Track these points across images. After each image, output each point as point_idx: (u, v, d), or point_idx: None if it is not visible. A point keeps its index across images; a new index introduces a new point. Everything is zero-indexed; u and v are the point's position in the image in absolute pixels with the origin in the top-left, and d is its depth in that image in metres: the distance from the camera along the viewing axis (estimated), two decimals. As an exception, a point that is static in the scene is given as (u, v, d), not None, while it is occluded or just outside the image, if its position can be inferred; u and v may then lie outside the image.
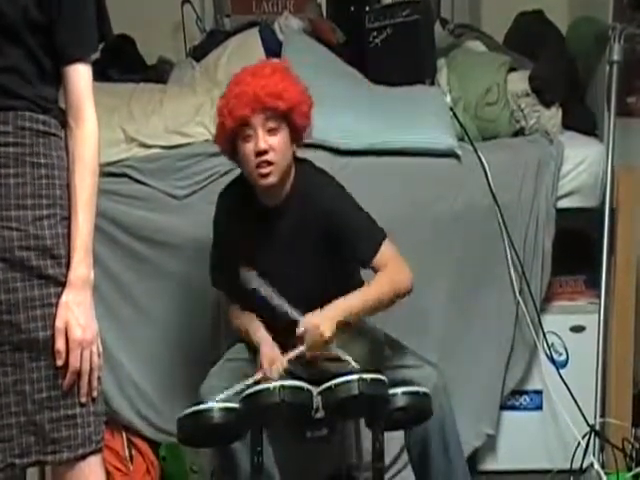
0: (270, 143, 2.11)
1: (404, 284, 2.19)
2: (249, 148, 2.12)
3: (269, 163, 2.12)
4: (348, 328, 2.18)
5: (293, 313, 2.15)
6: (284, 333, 2.19)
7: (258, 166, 2.12)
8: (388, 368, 2.21)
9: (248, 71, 2.17)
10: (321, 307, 2.13)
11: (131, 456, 2.63)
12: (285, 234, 2.21)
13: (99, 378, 1.63)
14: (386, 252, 2.19)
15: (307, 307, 2.15)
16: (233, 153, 2.20)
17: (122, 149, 2.65)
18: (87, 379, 1.59)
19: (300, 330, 2.11)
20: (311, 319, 2.11)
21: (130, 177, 2.63)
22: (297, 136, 2.19)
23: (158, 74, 3.08)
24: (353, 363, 2.13)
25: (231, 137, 2.15)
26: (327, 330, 2.09)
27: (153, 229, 2.62)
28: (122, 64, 3.05)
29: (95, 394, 1.62)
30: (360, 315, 2.19)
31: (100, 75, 2.80)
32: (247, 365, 2.25)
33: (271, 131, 2.12)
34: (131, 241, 2.62)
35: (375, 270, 2.19)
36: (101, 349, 1.64)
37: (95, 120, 1.62)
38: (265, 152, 2.11)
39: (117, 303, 2.62)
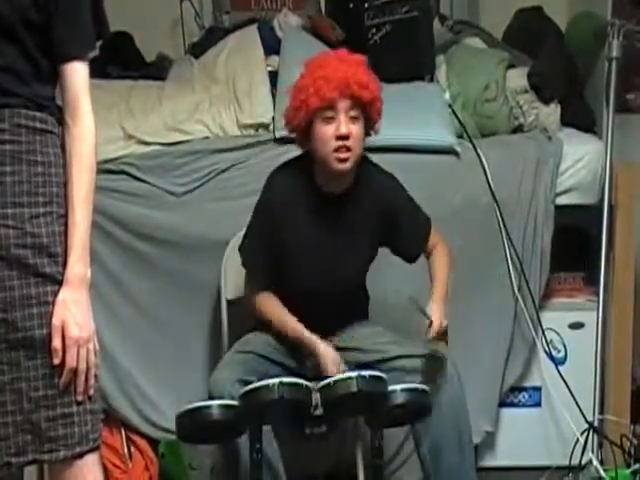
0: (351, 129, 2.14)
1: (452, 257, 2.35)
2: (329, 130, 2.14)
3: (348, 149, 2.14)
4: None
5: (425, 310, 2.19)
6: (311, 317, 2.24)
7: (337, 150, 2.14)
8: (402, 357, 2.25)
9: (334, 56, 2.21)
10: (342, 298, 2.27)
11: (130, 453, 2.63)
12: (342, 223, 2.25)
13: (96, 376, 1.62)
14: (433, 235, 2.35)
15: (342, 295, 2.27)
16: (305, 132, 2.20)
17: (121, 146, 2.64)
18: (84, 377, 1.59)
19: (435, 328, 2.14)
20: (438, 315, 2.16)
21: (129, 174, 2.63)
22: (369, 130, 2.23)
23: (157, 71, 3.08)
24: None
25: (311, 116, 2.16)
26: (445, 320, 2.17)
27: (152, 226, 2.62)
28: (121, 61, 3.05)
29: (92, 392, 1.61)
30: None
31: (99, 72, 2.80)
32: (258, 358, 2.26)
33: (352, 119, 2.15)
34: (130, 238, 2.62)
35: (430, 253, 2.33)
36: (98, 347, 1.63)
37: (92, 117, 1.62)
38: (347, 137, 2.14)
39: (116, 301, 2.62)
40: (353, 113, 2.15)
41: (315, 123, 2.16)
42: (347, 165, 2.16)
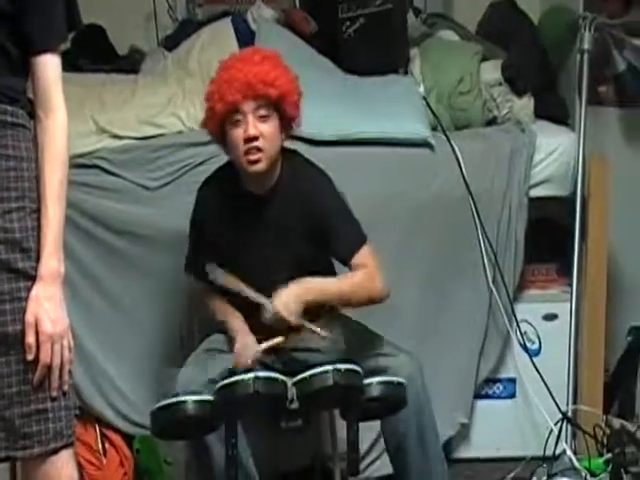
0: (260, 130, 2.11)
1: (379, 292, 2.19)
2: (238, 133, 2.12)
3: (258, 149, 2.12)
4: (315, 309, 2.17)
5: (259, 298, 2.15)
6: (261, 325, 2.18)
7: (247, 152, 2.12)
8: (363, 356, 2.21)
9: (238, 57, 2.18)
10: None
11: (104, 449, 2.61)
12: (270, 222, 2.22)
13: (70, 372, 1.61)
14: (366, 255, 2.19)
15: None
16: (222, 138, 2.19)
17: (93, 140, 2.62)
18: (58, 373, 1.58)
19: (268, 314, 2.11)
20: (278, 298, 2.10)
21: (102, 168, 2.61)
22: (286, 125, 2.19)
23: (129, 64, 3.05)
24: (321, 332, 2.13)
25: (221, 122, 2.15)
26: (293, 310, 2.09)
27: (126, 221, 2.61)
28: (93, 54, 3.02)
29: (66, 388, 1.60)
30: (330, 301, 2.20)
31: (70, 65, 2.77)
32: (224, 355, 2.25)
33: (261, 118, 2.12)
34: (103, 233, 2.60)
35: (353, 269, 2.19)
36: (72, 343, 1.62)
37: (64, 111, 1.60)
38: (255, 138, 2.11)
39: (90, 296, 2.60)
40: (262, 112, 2.11)
41: (226, 128, 2.14)
42: (260, 166, 2.13)
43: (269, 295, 2.14)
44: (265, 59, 2.14)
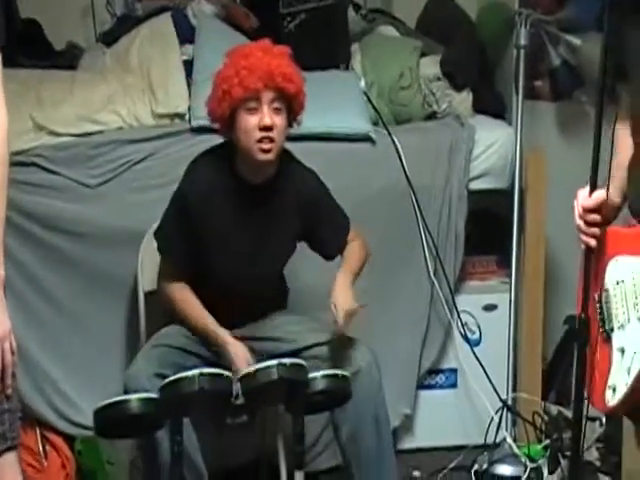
0: (275, 121, 2.14)
1: (369, 252, 2.38)
2: (252, 121, 2.14)
3: (271, 140, 2.15)
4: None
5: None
6: (226, 307, 2.24)
7: (260, 140, 2.14)
8: (321, 344, 2.26)
9: (257, 46, 2.21)
10: (261, 289, 2.28)
11: (45, 452, 2.57)
12: (261, 213, 2.25)
13: (14, 375, 1.60)
14: (353, 231, 2.36)
15: (258, 288, 2.27)
16: (229, 123, 2.19)
17: (31, 137, 2.58)
18: (0, 377, 1.56)
19: (340, 320, 2.17)
20: (343, 304, 2.17)
21: (40, 166, 2.57)
22: (292, 122, 2.23)
23: (67, 60, 3.00)
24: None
25: (234, 106, 2.15)
26: (354, 304, 2.19)
27: (66, 219, 2.58)
28: (29, 50, 2.96)
29: (9, 392, 1.59)
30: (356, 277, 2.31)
31: (6, 61, 2.71)
32: (173, 351, 2.25)
33: (276, 110, 2.15)
34: (43, 232, 2.57)
35: (349, 243, 2.35)
36: (15, 346, 1.60)
37: (4, 110, 1.58)
38: (270, 128, 2.14)
39: (30, 296, 2.56)
40: (277, 105, 2.16)
41: (238, 113, 2.16)
42: (270, 156, 2.17)
43: (246, 284, 2.23)
44: (283, 54, 2.19)
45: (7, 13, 1.62)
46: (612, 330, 1.71)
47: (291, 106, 2.20)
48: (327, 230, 2.33)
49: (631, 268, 1.69)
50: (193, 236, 2.23)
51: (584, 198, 1.74)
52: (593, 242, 1.73)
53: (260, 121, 2.13)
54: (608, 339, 1.72)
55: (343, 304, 2.17)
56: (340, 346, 2.25)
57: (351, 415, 2.24)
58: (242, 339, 2.26)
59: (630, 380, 1.64)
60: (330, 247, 2.35)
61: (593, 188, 1.73)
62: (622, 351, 1.68)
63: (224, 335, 2.23)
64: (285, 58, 2.18)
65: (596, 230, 1.73)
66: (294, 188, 2.27)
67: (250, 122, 2.14)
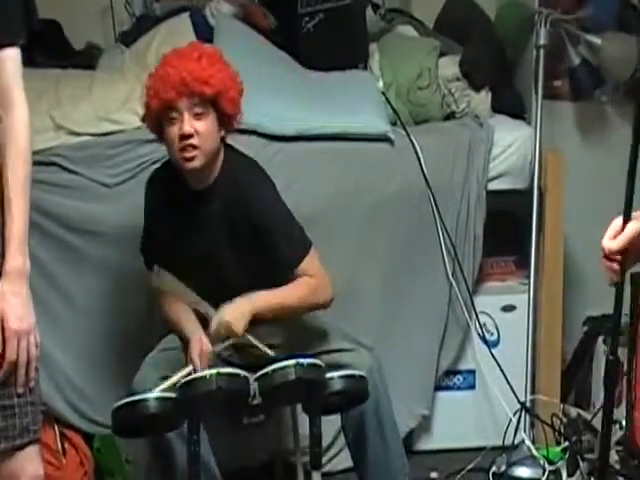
0: (196, 127, 2.11)
1: (324, 298, 2.21)
2: (174, 131, 2.12)
3: (194, 147, 2.11)
4: (262, 321, 2.17)
5: (206, 309, 2.16)
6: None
7: (182, 149, 2.12)
8: (323, 353, 2.22)
9: (176, 53, 2.17)
10: (240, 292, 2.16)
11: (64, 449, 2.58)
12: (211, 218, 2.22)
13: (36, 368, 1.62)
14: (311, 262, 2.19)
15: (231, 297, 2.15)
16: (160, 134, 2.19)
17: (50, 137, 2.59)
18: (24, 370, 1.58)
19: (213, 328, 2.13)
20: (223, 315, 2.12)
21: (59, 166, 2.58)
22: (225, 121, 2.18)
23: (86, 60, 3.02)
24: (268, 351, 2.16)
25: (157, 118, 2.15)
26: (239, 327, 2.11)
27: (84, 218, 2.58)
28: (48, 49, 2.98)
29: (32, 384, 1.60)
30: (274, 313, 2.17)
31: (25, 61, 2.73)
32: (181, 354, 2.25)
33: (197, 115, 2.12)
34: (61, 231, 2.57)
35: (299, 276, 2.18)
36: (39, 339, 1.62)
37: (26, 107, 1.59)
38: (190, 136, 2.11)
39: (48, 294, 2.56)
40: (198, 110, 2.11)
41: (163, 125, 2.15)
42: (195, 163, 2.13)
43: (219, 298, 2.15)
44: (203, 56, 2.13)
45: (27, 12, 1.63)
46: None
47: (218, 107, 2.13)
48: (282, 242, 2.17)
49: None
50: (163, 247, 2.25)
51: (609, 237, 1.45)
52: (616, 278, 1.46)
53: (179, 130, 2.10)
54: None
55: (226, 317, 2.10)
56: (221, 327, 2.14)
57: (354, 419, 2.24)
58: (237, 347, 2.24)
59: None
60: (286, 259, 2.17)
61: (626, 221, 1.44)
62: None
63: (190, 328, 2.20)
64: (205, 60, 2.11)
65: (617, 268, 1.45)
66: (244, 193, 2.18)
67: (172, 132, 2.12)
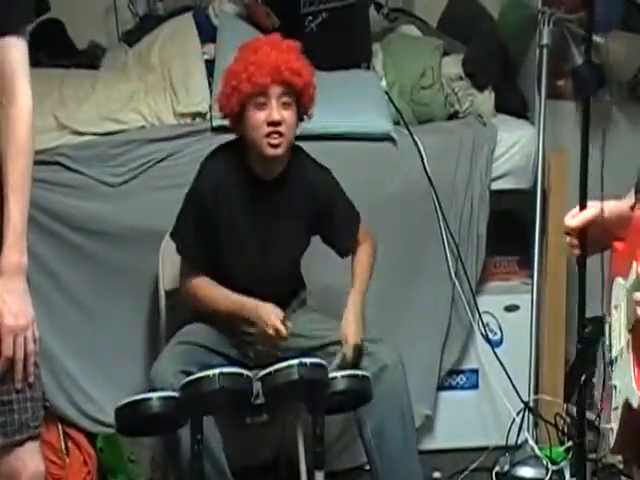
0: (283, 115, 2.16)
1: (376, 251, 2.40)
2: (261, 116, 2.16)
3: (280, 134, 2.16)
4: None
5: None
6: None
7: (268, 135, 2.16)
8: (340, 342, 2.25)
9: (265, 41, 2.24)
10: (279, 286, 2.29)
11: (67, 448, 2.59)
12: (277, 209, 2.26)
13: (36, 364, 1.61)
14: (361, 231, 2.38)
15: (274, 283, 2.28)
16: (238, 117, 2.21)
17: (54, 136, 2.60)
18: (22, 365, 1.57)
19: (349, 356, 2.21)
20: (353, 338, 2.22)
21: (63, 165, 2.59)
22: (302, 116, 2.25)
23: (89, 59, 3.03)
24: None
25: (243, 102, 2.17)
26: (358, 338, 2.24)
27: (88, 218, 2.59)
28: (51, 48, 2.98)
29: (31, 380, 1.59)
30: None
31: (29, 60, 2.73)
32: (199, 349, 2.26)
33: (284, 105, 2.17)
34: (65, 231, 2.58)
35: (357, 243, 2.37)
36: (37, 334, 1.60)
37: (30, 97, 1.55)
38: (279, 123, 2.15)
39: (51, 294, 2.57)
40: (285, 99, 2.17)
41: (247, 109, 2.18)
42: (278, 151, 2.18)
43: (256, 280, 2.23)
44: (291, 48, 2.20)
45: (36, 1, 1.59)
46: (611, 363, 1.51)
47: (300, 100, 2.21)
48: (338, 226, 2.34)
49: (624, 292, 1.45)
50: (208, 232, 2.24)
51: (570, 215, 1.59)
52: (577, 252, 1.59)
53: (268, 116, 2.15)
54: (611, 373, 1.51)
55: (353, 339, 2.21)
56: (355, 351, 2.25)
57: (377, 410, 2.23)
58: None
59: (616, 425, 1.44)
60: (341, 243, 2.36)
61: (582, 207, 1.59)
62: (615, 388, 1.47)
63: (250, 301, 2.23)
64: (294, 52, 2.20)
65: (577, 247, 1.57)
66: (306, 182, 2.28)
67: (259, 117, 2.16)
